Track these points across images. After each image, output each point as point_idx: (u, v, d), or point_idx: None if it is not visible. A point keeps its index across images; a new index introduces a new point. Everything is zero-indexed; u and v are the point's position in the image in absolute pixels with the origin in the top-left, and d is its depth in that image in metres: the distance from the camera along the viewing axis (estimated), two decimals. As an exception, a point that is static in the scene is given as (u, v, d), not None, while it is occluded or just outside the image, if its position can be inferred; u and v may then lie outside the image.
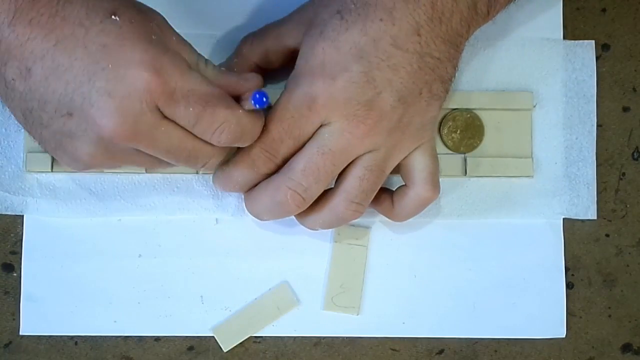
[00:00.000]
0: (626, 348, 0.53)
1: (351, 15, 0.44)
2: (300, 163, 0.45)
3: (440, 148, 0.52)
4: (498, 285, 0.52)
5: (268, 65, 0.49)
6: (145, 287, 0.51)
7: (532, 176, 0.52)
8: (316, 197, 0.46)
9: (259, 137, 0.45)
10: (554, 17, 0.53)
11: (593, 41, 0.53)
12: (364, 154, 0.45)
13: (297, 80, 0.45)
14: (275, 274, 0.51)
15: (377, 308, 0.51)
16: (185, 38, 0.44)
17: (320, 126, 0.45)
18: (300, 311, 0.51)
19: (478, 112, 0.52)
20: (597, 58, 0.53)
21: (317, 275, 0.51)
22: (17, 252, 0.51)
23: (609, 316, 0.53)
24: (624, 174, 0.53)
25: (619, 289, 0.53)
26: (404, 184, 0.48)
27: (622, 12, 0.54)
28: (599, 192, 0.52)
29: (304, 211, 0.46)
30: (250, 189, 0.47)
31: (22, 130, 0.51)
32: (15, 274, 0.51)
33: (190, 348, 0.51)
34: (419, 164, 0.47)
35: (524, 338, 0.52)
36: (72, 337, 0.51)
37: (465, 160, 0.52)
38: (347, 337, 0.52)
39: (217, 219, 0.51)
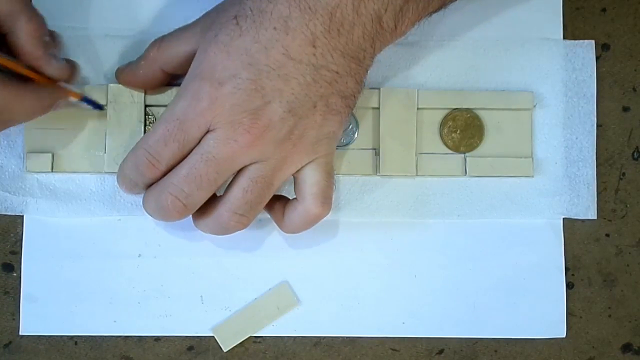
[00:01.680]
0: (626, 348, 0.53)
1: (246, 21, 0.43)
2: (183, 169, 0.44)
3: (440, 148, 0.52)
4: (498, 285, 0.52)
5: (173, 71, 0.48)
6: (145, 287, 0.51)
7: (532, 176, 0.52)
8: (200, 204, 0.45)
9: (144, 138, 0.44)
10: (554, 17, 0.53)
11: (593, 41, 0.53)
12: (251, 164, 0.44)
13: (187, 83, 0.44)
14: (275, 274, 0.51)
15: (377, 308, 0.51)
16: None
17: (207, 132, 0.44)
18: (300, 311, 0.51)
19: (478, 112, 0.52)
20: (597, 58, 0.53)
21: (317, 275, 0.51)
22: (17, 252, 0.51)
23: (609, 316, 0.53)
24: (624, 174, 0.53)
25: (619, 289, 0.53)
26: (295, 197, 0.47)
27: (622, 12, 0.54)
28: (599, 192, 0.52)
29: (195, 214, 0.46)
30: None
31: (22, 130, 0.51)
32: (15, 274, 0.51)
33: (190, 348, 0.51)
34: (310, 178, 0.46)
35: (524, 338, 0.52)
36: (72, 337, 0.51)
37: (465, 160, 0.52)
38: (347, 337, 0.52)
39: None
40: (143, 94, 0.50)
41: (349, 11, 0.43)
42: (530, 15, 0.53)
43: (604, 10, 0.54)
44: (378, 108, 0.51)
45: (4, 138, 0.51)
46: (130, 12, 0.52)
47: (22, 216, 0.51)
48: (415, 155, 0.51)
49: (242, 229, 0.46)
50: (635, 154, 0.53)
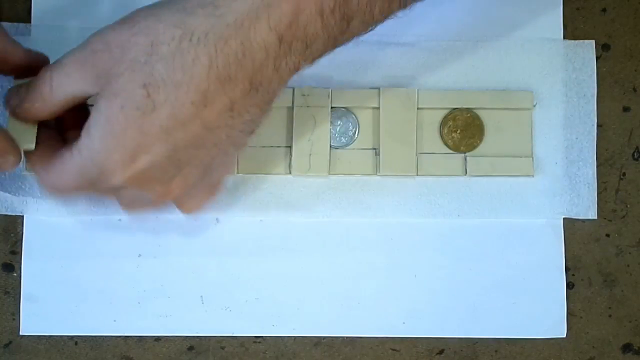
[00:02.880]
0: (626, 348, 0.53)
1: (159, 94, 0.39)
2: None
3: (441, 148, 0.52)
4: (498, 285, 0.52)
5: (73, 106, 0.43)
6: (145, 287, 0.51)
7: (533, 176, 0.52)
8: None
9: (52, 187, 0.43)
10: (554, 17, 0.53)
11: (593, 41, 0.53)
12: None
13: (91, 149, 0.40)
14: (275, 274, 0.51)
15: (377, 308, 0.51)
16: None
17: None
18: (300, 311, 0.51)
19: (478, 112, 0.52)
20: (597, 58, 0.53)
21: (318, 275, 0.51)
22: (17, 252, 0.51)
23: (610, 316, 0.53)
24: (624, 174, 0.53)
25: (619, 289, 0.53)
26: None
27: (622, 12, 0.54)
28: (599, 192, 0.52)
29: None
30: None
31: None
32: (15, 274, 0.51)
33: (190, 348, 0.51)
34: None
35: (524, 338, 0.52)
36: (72, 337, 0.51)
37: (465, 159, 0.52)
38: (347, 337, 0.52)
39: (217, 219, 0.51)
40: None
41: (269, 71, 0.41)
42: (530, 15, 0.53)
43: (604, 10, 0.54)
44: (378, 108, 0.51)
45: (4, 138, 0.51)
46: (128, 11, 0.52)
47: (22, 216, 0.51)
48: (416, 155, 0.51)
49: None
50: (635, 154, 0.53)
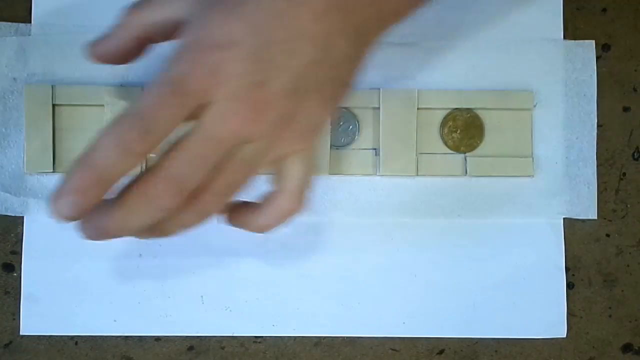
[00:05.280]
0: (627, 348, 0.53)
1: None
2: (178, 150, 0.38)
3: (440, 148, 0.52)
4: (498, 285, 0.52)
5: (151, 39, 0.43)
6: (145, 287, 0.51)
7: (533, 176, 0.52)
8: (193, 188, 0.39)
9: (130, 106, 0.38)
10: (554, 17, 0.53)
11: (593, 41, 0.53)
12: (242, 143, 0.39)
13: (184, 48, 0.39)
14: (275, 273, 0.51)
15: (377, 308, 0.51)
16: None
17: (204, 107, 0.38)
18: (300, 311, 0.51)
19: (478, 112, 0.52)
20: (597, 58, 0.53)
21: (318, 275, 0.51)
22: (17, 252, 0.51)
23: (610, 316, 0.53)
24: (624, 174, 0.53)
25: (619, 289, 0.53)
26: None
27: (622, 12, 0.54)
28: (599, 192, 0.52)
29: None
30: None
31: (23, 130, 0.51)
32: (15, 274, 0.51)
33: (190, 348, 0.51)
34: (294, 171, 0.42)
35: (524, 338, 0.52)
36: (72, 337, 0.51)
37: (465, 160, 0.52)
38: (347, 337, 0.52)
39: (217, 219, 0.51)
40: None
41: None
42: (530, 15, 0.53)
43: (604, 10, 0.54)
44: (378, 108, 0.51)
45: (3, 138, 0.51)
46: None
47: (22, 216, 0.51)
48: (416, 155, 0.51)
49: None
50: (635, 154, 0.53)
